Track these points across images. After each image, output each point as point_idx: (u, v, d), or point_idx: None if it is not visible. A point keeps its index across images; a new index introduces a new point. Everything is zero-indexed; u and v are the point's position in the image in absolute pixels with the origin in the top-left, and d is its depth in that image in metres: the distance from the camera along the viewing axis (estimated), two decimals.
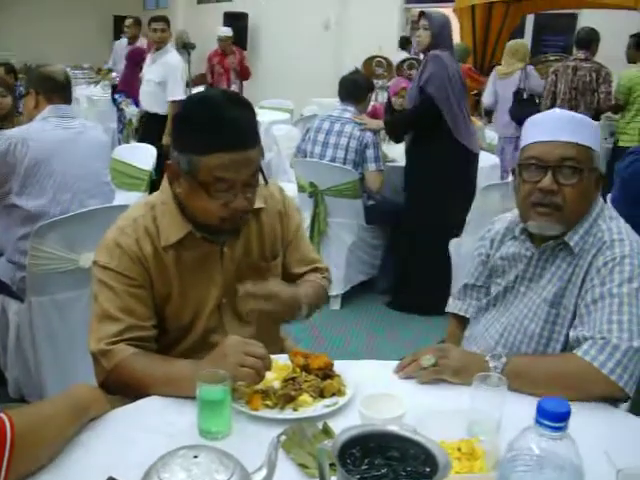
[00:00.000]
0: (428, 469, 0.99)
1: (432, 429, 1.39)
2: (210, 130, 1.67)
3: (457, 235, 4.00)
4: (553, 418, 0.85)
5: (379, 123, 4.75)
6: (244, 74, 9.31)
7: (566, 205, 1.80)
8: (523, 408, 1.53)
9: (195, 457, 1.11)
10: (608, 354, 1.63)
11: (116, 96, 8.12)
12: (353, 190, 4.55)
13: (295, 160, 4.79)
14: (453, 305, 2.19)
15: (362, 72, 4.84)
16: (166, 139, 5.86)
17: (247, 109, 1.75)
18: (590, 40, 6.33)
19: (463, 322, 2.16)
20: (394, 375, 1.78)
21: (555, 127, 1.83)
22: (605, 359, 1.63)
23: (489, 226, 2.12)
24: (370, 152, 4.57)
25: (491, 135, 6.56)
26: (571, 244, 1.83)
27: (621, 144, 6.23)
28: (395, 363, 1.81)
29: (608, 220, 1.85)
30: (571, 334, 1.77)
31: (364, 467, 1.01)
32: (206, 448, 1.16)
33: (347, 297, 4.85)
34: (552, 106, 6.26)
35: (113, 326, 1.73)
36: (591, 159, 1.82)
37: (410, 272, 4.68)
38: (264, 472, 1.18)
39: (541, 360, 1.79)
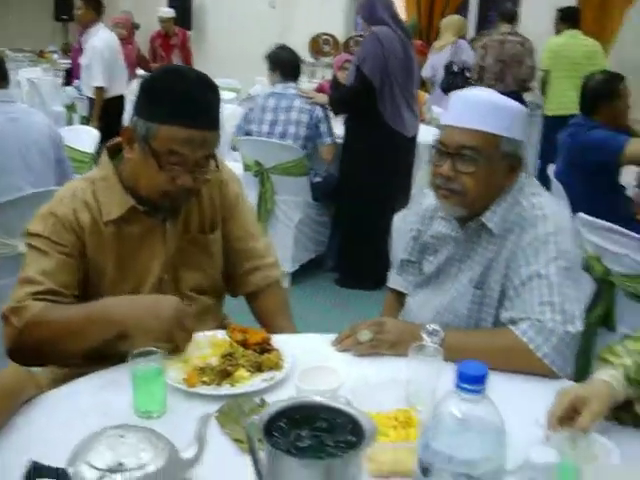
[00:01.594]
0: (355, 438, 0.99)
1: (369, 400, 1.40)
2: (175, 101, 1.66)
3: (401, 208, 4.02)
4: (471, 381, 0.85)
5: (325, 97, 4.73)
6: (186, 57, 9.16)
7: (466, 191, 1.76)
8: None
9: (121, 437, 1.09)
10: (545, 338, 1.64)
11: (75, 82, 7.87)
12: (299, 167, 4.53)
13: (239, 139, 4.73)
14: (392, 280, 2.18)
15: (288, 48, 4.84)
16: (94, 124, 5.71)
17: (215, 92, 1.74)
18: (514, 13, 6.54)
19: (401, 297, 2.16)
20: (332, 348, 1.78)
21: (461, 111, 1.78)
22: (542, 342, 1.64)
23: (420, 199, 2.08)
24: (324, 126, 4.59)
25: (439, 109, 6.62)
26: (489, 225, 1.81)
27: (549, 113, 6.32)
28: (333, 336, 1.81)
29: (530, 196, 1.82)
30: (503, 315, 1.77)
31: (291, 439, 1.00)
32: (134, 428, 1.15)
33: (296, 276, 4.85)
34: (480, 79, 6.34)
35: (31, 288, 1.68)
36: (497, 146, 1.75)
37: (354, 248, 4.69)
38: (194, 448, 1.17)
39: (477, 335, 1.80)
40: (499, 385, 1.57)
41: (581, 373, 2.91)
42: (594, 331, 2.91)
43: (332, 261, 5.05)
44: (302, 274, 4.90)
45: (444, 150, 1.77)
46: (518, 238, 1.78)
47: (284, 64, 4.74)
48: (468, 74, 6.67)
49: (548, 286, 1.69)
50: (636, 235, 2.70)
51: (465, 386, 0.86)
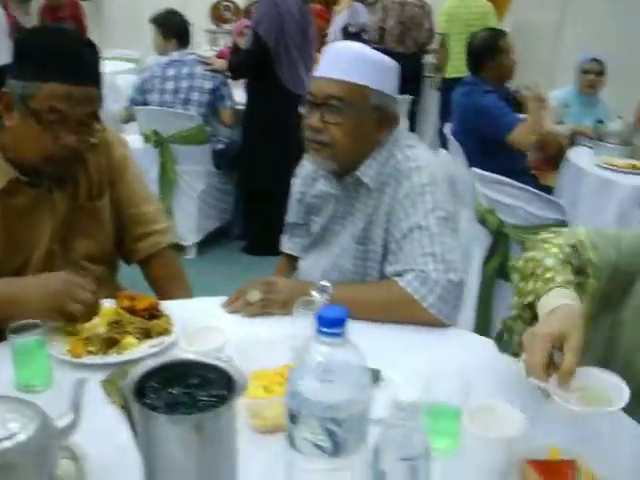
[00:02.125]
0: (227, 392, 0.97)
1: (256, 357, 1.39)
2: (49, 57, 1.61)
3: None
4: (331, 325, 0.85)
5: (224, 63, 4.66)
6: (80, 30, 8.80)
7: (335, 143, 1.75)
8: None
9: None
10: (429, 288, 1.66)
11: None
12: (199, 135, 4.46)
13: (136, 110, 4.60)
14: (283, 244, 2.18)
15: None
16: None
17: (91, 48, 1.69)
18: None
19: (293, 260, 2.15)
20: (223, 310, 1.76)
21: (330, 62, 1.77)
22: (427, 292, 1.66)
23: (303, 162, 2.07)
24: (225, 90, 4.58)
25: None
26: (365, 179, 1.81)
27: (447, 76, 6.41)
28: (224, 299, 1.79)
29: (405, 149, 1.83)
30: (388, 269, 1.78)
31: (162, 398, 0.97)
32: (3, 398, 1.10)
33: (202, 245, 4.81)
34: (380, 41, 6.38)
35: None
36: (365, 98, 1.74)
37: (259, 215, 4.66)
38: (70, 416, 1.13)
39: (365, 289, 1.80)
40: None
41: (482, 324, 3.02)
42: (492, 283, 2.99)
43: (238, 229, 5.01)
44: (209, 244, 4.86)
45: (313, 101, 1.76)
46: (395, 191, 1.79)
47: (180, 30, 4.64)
48: (365, 36, 6.69)
49: (429, 237, 1.71)
50: (528, 187, 2.78)
51: (325, 330, 0.85)
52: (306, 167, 2.04)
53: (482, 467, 1.17)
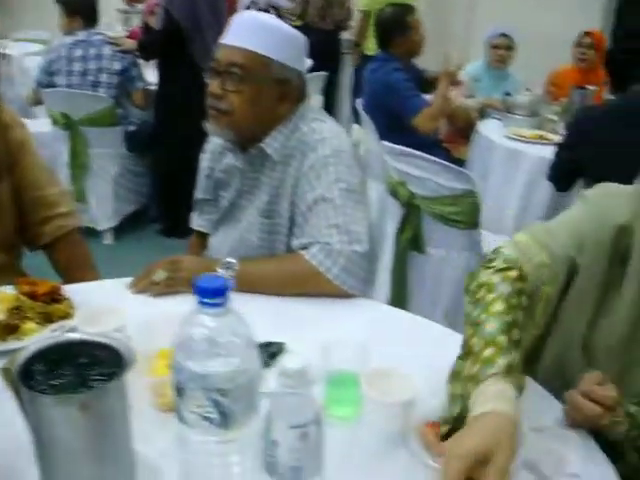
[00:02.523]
0: (118, 370, 0.96)
1: (160, 336, 1.36)
2: None
3: None
4: (212, 295, 0.84)
5: (133, 43, 4.55)
6: None
7: (233, 111, 1.75)
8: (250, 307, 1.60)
9: None
10: (334, 260, 1.67)
11: None
12: (109, 117, 4.36)
13: (43, 92, 4.45)
14: (194, 221, 2.15)
15: None
16: None
17: None
18: None
19: (204, 238, 2.13)
20: (129, 291, 1.73)
21: (235, 31, 1.76)
22: (331, 264, 1.67)
23: (211, 137, 2.04)
24: (135, 71, 4.48)
25: None
26: (269, 151, 1.80)
27: (367, 52, 6.41)
28: (130, 280, 1.76)
29: (311, 122, 1.83)
30: (294, 243, 1.78)
31: (49, 379, 0.95)
32: None
33: (120, 230, 4.72)
34: (303, 15, 6.35)
35: None
36: (267, 68, 1.74)
37: (175, 196, 4.59)
38: None
39: (270, 263, 1.79)
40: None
41: (397, 296, 3.06)
42: (405, 254, 3.03)
43: (155, 212, 4.93)
44: (126, 228, 4.78)
45: (216, 68, 1.75)
46: (300, 164, 1.79)
47: (85, 8, 4.49)
48: (272, 11, 6.63)
49: (333, 208, 1.72)
50: (436, 159, 2.81)
51: (207, 301, 0.84)
52: (214, 142, 2.02)
53: (382, 431, 1.19)
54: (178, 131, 4.38)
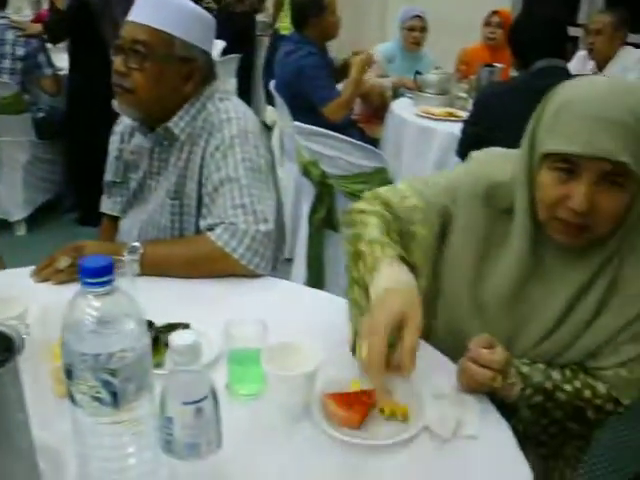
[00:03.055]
0: (7, 353, 0.94)
1: (57, 324, 1.35)
2: None
3: None
4: (96, 274, 0.84)
5: (38, 27, 4.42)
6: None
7: (136, 89, 1.74)
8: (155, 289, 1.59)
9: None
10: (239, 240, 1.67)
11: None
12: (16, 104, 4.22)
13: None
14: (103, 204, 2.12)
15: None
16: None
17: None
18: None
19: (116, 221, 2.10)
20: (32, 280, 1.69)
21: (140, 8, 1.75)
22: (236, 245, 1.67)
23: (121, 118, 2.02)
24: (41, 57, 4.30)
25: None
26: (176, 131, 1.80)
27: (282, 32, 6.39)
28: (32, 269, 1.72)
29: (218, 102, 1.83)
30: (201, 223, 1.78)
31: None
32: None
33: (32, 220, 4.59)
34: (217, 2, 6.29)
35: None
36: (170, 46, 1.73)
37: (91, 182, 4.50)
38: None
39: (175, 246, 1.79)
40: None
41: (313, 274, 3.09)
42: (320, 233, 3.06)
43: (70, 200, 4.81)
44: (39, 218, 4.65)
45: (121, 45, 1.74)
46: (206, 143, 1.79)
47: None
48: None
49: (239, 188, 1.72)
50: (346, 138, 2.84)
51: (91, 280, 0.84)
52: (123, 123, 2.00)
53: (285, 405, 1.21)
54: (90, 116, 4.28)
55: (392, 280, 1.24)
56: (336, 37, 4.00)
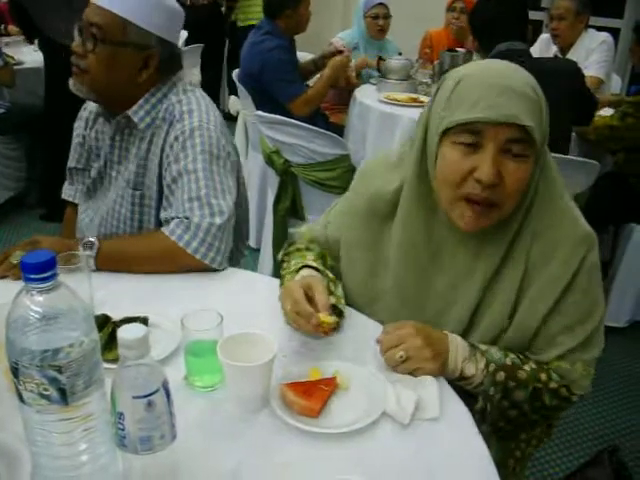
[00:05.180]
0: None
1: None
2: None
3: None
4: (37, 270, 0.82)
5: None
6: None
7: (89, 71, 1.73)
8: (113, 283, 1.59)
9: None
10: (192, 234, 1.65)
11: None
12: None
13: None
14: (65, 191, 2.10)
15: None
16: None
17: None
18: None
19: (77, 208, 2.08)
20: None
21: None
22: (190, 238, 1.65)
23: (85, 104, 2.00)
24: None
25: None
26: (135, 119, 1.78)
27: (240, 24, 6.36)
28: None
29: (181, 93, 1.82)
30: (161, 215, 1.77)
31: None
32: None
33: None
34: None
35: None
36: (123, 31, 1.70)
37: (58, 178, 4.44)
38: None
39: (130, 241, 1.76)
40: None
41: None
42: (284, 222, 3.05)
43: (35, 197, 4.76)
44: (3, 215, 4.60)
45: (80, 26, 1.72)
46: (166, 134, 1.77)
47: None
48: None
49: (195, 181, 1.70)
50: (307, 126, 2.83)
51: (33, 276, 0.82)
52: (88, 109, 1.99)
53: (243, 396, 1.20)
54: (55, 112, 4.21)
55: (305, 275, 1.44)
56: (304, 31, 3.96)
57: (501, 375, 1.31)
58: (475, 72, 1.24)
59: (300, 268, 1.47)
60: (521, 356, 1.37)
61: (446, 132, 1.24)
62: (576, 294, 1.33)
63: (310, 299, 1.32)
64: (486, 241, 1.33)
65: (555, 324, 1.34)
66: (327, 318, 1.28)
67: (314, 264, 1.48)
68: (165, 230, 1.67)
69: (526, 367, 1.35)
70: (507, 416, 1.37)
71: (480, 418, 1.30)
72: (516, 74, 1.24)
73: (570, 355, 1.36)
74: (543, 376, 1.35)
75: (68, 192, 2.09)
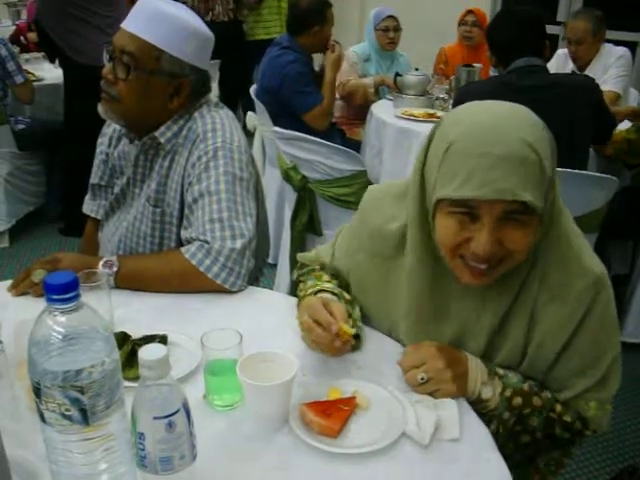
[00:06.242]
0: None
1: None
2: None
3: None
4: (60, 291, 0.83)
5: None
6: None
7: (121, 98, 1.72)
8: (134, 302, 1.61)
9: None
10: (213, 259, 1.65)
11: None
12: None
13: None
14: (86, 206, 2.11)
15: None
16: None
17: None
18: None
19: (98, 224, 2.09)
20: (9, 294, 1.68)
21: (134, 17, 1.72)
22: (211, 263, 1.65)
23: (109, 121, 1.98)
24: (11, 64, 4.22)
25: None
26: (162, 140, 1.78)
27: (258, 37, 6.38)
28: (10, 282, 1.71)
29: (206, 112, 1.81)
30: (182, 234, 1.77)
31: None
32: None
33: (15, 232, 4.57)
34: (191, 8, 6.23)
35: None
36: (157, 60, 1.69)
37: (77, 192, 4.48)
38: None
39: (150, 262, 1.74)
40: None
41: None
42: (302, 237, 3.05)
43: (54, 211, 4.79)
44: (23, 230, 4.63)
45: (111, 52, 1.72)
46: (189, 153, 1.77)
47: None
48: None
49: (217, 202, 1.70)
50: (324, 142, 2.83)
51: (56, 297, 0.83)
52: (112, 127, 1.99)
53: (262, 415, 1.20)
54: (75, 129, 4.25)
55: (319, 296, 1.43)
56: (323, 51, 3.97)
57: (518, 400, 1.30)
58: (466, 135, 1.14)
59: (317, 292, 1.46)
60: (538, 384, 1.35)
61: (440, 201, 1.19)
62: (586, 338, 1.29)
63: (329, 313, 1.30)
64: (493, 288, 1.29)
65: (566, 367, 1.32)
66: (347, 327, 1.28)
67: (330, 286, 1.47)
68: (186, 253, 1.67)
69: (543, 395, 1.33)
70: (518, 441, 1.35)
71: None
72: (512, 132, 1.12)
73: (584, 395, 1.34)
74: (558, 407, 1.33)
75: (90, 207, 2.10)
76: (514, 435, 1.33)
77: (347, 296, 1.48)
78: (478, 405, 1.30)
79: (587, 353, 1.30)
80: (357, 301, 1.50)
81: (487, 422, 1.28)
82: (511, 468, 1.14)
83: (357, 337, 1.42)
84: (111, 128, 2.00)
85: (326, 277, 1.53)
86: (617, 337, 1.33)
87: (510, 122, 1.14)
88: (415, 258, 1.33)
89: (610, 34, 4.35)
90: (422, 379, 1.27)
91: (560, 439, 1.36)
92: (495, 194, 1.10)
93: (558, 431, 1.34)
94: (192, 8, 5.78)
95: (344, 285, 1.53)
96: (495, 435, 1.24)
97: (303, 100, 3.65)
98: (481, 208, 1.14)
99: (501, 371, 1.33)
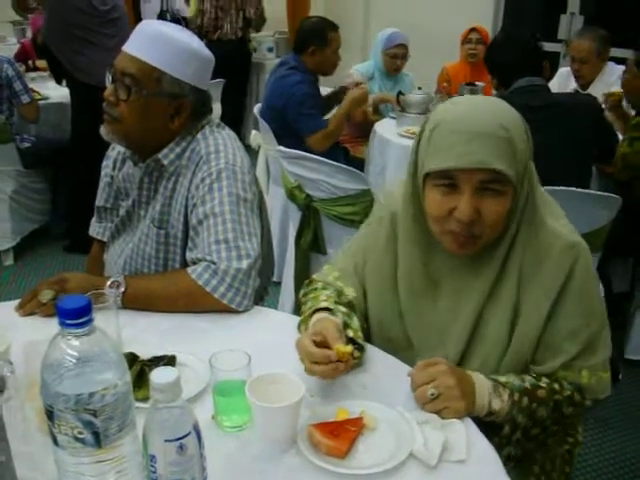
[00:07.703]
0: None
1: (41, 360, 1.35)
2: None
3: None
4: (74, 315, 0.84)
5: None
6: None
7: (122, 120, 1.74)
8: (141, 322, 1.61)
9: None
10: (220, 279, 1.66)
11: None
12: (1, 134, 4.21)
13: None
14: (92, 228, 2.12)
15: None
16: None
17: None
18: None
19: (104, 245, 2.10)
20: (16, 314, 1.69)
21: (135, 39, 1.74)
22: (217, 283, 1.66)
23: (114, 144, 2.00)
24: (17, 84, 4.24)
25: None
26: (165, 162, 1.80)
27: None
28: (16, 303, 1.72)
29: (208, 134, 1.83)
30: (187, 255, 1.78)
31: None
32: None
33: (20, 250, 4.59)
34: (201, 25, 6.29)
35: None
36: (157, 81, 1.72)
37: (82, 210, 4.50)
38: None
39: (157, 282, 1.74)
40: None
41: None
42: (306, 257, 3.06)
43: (59, 228, 4.81)
44: (27, 247, 4.65)
45: (113, 74, 1.74)
46: (193, 175, 1.78)
47: None
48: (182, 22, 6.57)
49: (222, 223, 1.71)
50: (328, 161, 2.85)
51: (69, 322, 0.84)
52: (117, 150, 2.00)
53: (271, 436, 1.21)
54: (80, 146, 4.29)
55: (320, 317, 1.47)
56: (331, 75, 4.01)
57: (525, 400, 1.36)
58: (449, 117, 1.32)
59: (313, 313, 1.50)
60: (533, 374, 1.42)
61: (428, 175, 1.35)
62: (572, 298, 1.40)
63: (322, 343, 1.33)
64: (482, 261, 1.42)
65: (556, 331, 1.41)
66: (343, 347, 1.30)
67: (325, 304, 1.50)
68: (192, 273, 1.68)
69: (542, 383, 1.40)
70: (528, 434, 1.43)
71: (505, 442, 1.40)
72: (487, 115, 1.30)
73: (573, 364, 1.42)
74: (556, 386, 1.41)
75: (96, 229, 2.11)
76: (524, 430, 1.41)
77: (343, 309, 1.51)
78: (490, 417, 1.34)
79: (575, 314, 1.41)
80: (354, 312, 1.53)
81: (499, 427, 1.35)
82: None
83: (360, 348, 1.45)
84: (115, 151, 2.01)
85: (323, 296, 1.55)
86: (601, 308, 1.46)
87: (486, 107, 1.34)
88: (405, 236, 1.49)
89: (612, 51, 4.36)
90: (432, 395, 1.28)
91: (566, 416, 1.45)
92: (471, 164, 1.28)
93: (564, 408, 1.42)
94: (201, 26, 5.89)
95: (344, 302, 1.55)
96: (508, 438, 1.33)
97: (307, 122, 3.68)
98: (460, 179, 1.31)
99: (502, 378, 1.38)
